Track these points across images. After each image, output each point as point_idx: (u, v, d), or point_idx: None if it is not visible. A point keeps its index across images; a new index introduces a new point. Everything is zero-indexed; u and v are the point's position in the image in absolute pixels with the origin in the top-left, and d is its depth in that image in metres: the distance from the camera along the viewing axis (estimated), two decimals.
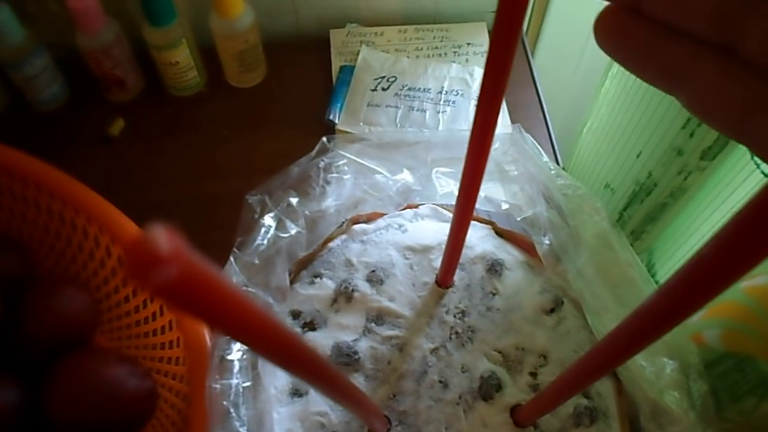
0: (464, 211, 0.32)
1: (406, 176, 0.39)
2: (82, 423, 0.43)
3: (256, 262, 0.35)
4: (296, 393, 0.37)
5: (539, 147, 0.37)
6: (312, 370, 0.20)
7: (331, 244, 0.42)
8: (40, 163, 0.47)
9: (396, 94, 0.63)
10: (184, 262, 0.11)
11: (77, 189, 0.47)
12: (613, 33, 0.18)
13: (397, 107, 0.62)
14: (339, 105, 0.63)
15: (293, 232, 0.37)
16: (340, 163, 0.38)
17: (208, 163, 0.63)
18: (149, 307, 0.47)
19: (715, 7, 0.16)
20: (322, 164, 0.38)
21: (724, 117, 0.17)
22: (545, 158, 0.37)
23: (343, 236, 0.42)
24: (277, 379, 0.37)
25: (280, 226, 0.37)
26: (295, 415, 0.36)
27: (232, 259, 0.35)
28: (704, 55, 0.17)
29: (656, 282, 0.54)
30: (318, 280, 0.40)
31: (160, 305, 0.47)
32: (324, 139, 0.38)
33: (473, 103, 0.62)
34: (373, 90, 0.63)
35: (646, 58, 0.18)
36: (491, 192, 0.41)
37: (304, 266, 0.41)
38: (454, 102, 0.62)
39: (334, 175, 0.38)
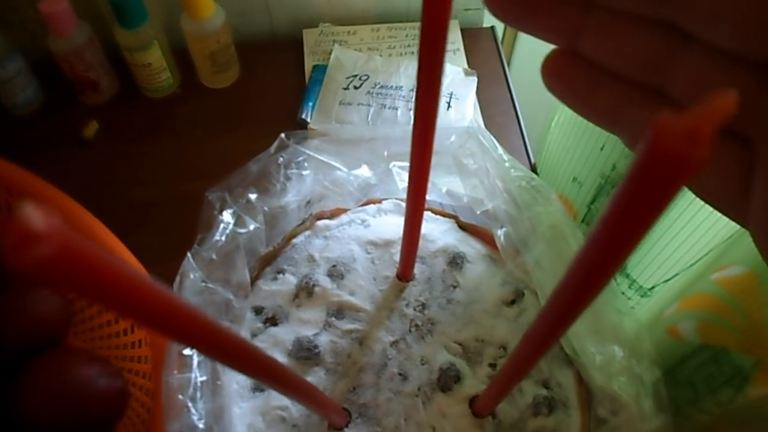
0: (415, 204, 0.32)
1: (364, 171, 0.40)
2: (55, 422, 0.43)
3: (214, 257, 0.36)
4: (258, 388, 0.37)
5: (495, 140, 0.38)
6: (241, 359, 0.21)
7: (294, 241, 0.42)
8: (11, 165, 0.47)
9: (368, 92, 0.63)
10: (61, 239, 0.11)
11: (49, 192, 0.47)
12: (557, 75, 0.19)
13: (369, 105, 0.62)
14: (311, 104, 0.64)
15: (252, 227, 0.37)
16: (300, 159, 0.39)
17: (183, 164, 0.63)
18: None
19: (642, 51, 0.17)
20: (281, 160, 0.38)
21: None
22: (500, 150, 0.37)
23: (307, 232, 0.42)
24: (239, 375, 0.37)
25: (239, 222, 0.37)
26: (256, 409, 0.36)
27: (189, 255, 0.35)
28: (638, 98, 0.17)
29: (626, 274, 0.55)
30: (281, 276, 0.40)
31: None
32: (282, 135, 0.38)
33: (444, 100, 0.62)
34: (345, 88, 0.64)
35: (587, 101, 0.19)
36: (453, 186, 0.42)
37: (268, 263, 0.41)
38: None
39: (294, 171, 0.39)
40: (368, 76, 0.64)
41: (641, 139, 0.12)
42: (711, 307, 0.40)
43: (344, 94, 0.63)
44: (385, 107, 0.62)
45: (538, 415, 0.36)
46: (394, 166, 0.40)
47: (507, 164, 0.37)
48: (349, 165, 0.40)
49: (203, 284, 0.35)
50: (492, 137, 0.38)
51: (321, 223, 0.42)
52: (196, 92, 0.68)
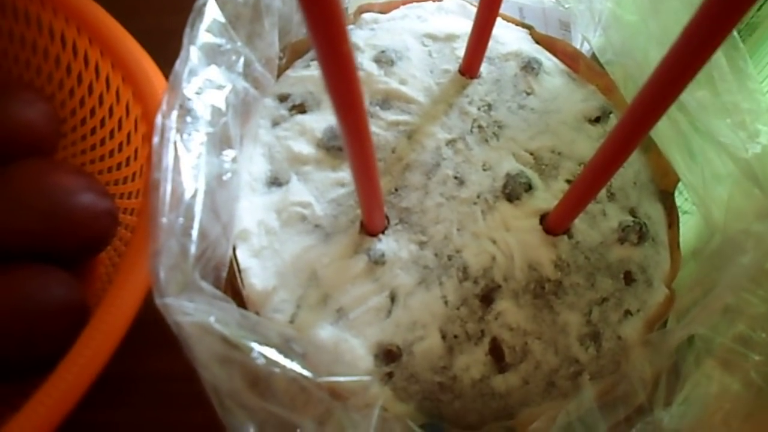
0: None
1: None
2: (30, 234, 0.36)
3: (240, 2, 0.28)
4: (275, 182, 0.30)
5: None
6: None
7: None
8: None
9: None
10: None
11: None
12: None
13: None
14: None
15: None
16: None
17: None
18: (107, 124, 0.41)
19: None
20: None
21: None
22: None
23: (351, 26, 0.35)
24: (253, 164, 0.30)
25: None
26: (271, 205, 0.29)
27: None
28: None
29: None
30: (314, 63, 0.33)
31: (119, 117, 0.40)
32: None
33: None
34: None
35: None
36: None
37: (299, 54, 0.34)
38: None
39: None
40: None
41: None
42: None
43: None
44: None
45: (624, 242, 0.28)
46: None
47: None
48: None
49: (221, 34, 0.28)
50: None
51: (368, 16, 0.35)
52: None
